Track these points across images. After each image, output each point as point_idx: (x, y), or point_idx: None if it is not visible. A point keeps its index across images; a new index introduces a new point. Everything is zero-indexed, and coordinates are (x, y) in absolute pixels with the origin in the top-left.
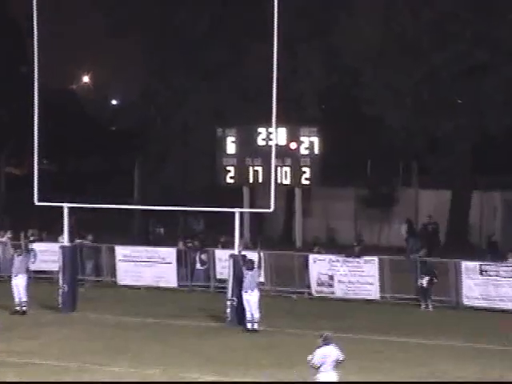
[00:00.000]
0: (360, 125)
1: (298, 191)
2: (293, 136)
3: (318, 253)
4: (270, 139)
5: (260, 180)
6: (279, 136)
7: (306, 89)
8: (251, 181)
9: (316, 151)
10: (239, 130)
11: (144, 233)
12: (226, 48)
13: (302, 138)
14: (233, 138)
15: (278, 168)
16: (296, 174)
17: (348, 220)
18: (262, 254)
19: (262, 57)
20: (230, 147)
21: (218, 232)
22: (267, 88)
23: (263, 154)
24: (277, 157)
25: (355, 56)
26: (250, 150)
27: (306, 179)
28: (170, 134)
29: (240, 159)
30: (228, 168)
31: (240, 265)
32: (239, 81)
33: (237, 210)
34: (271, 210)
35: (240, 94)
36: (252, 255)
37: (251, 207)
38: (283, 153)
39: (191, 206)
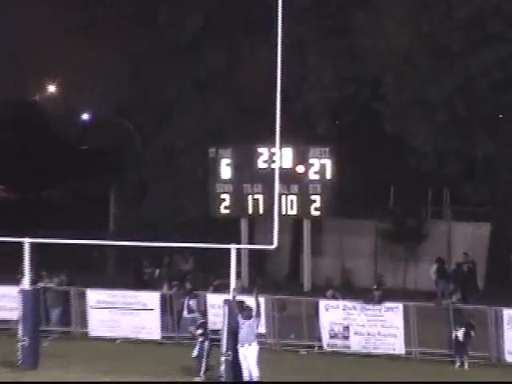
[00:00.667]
0: (381, 145)
1: (306, 223)
2: (300, 158)
3: (332, 298)
4: (273, 161)
5: (261, 210)
6: (284, 157)
7: (317, 101)
8: (250, 211)
9: (328, 176)
10: (236, 151)
11: (133, 274)
12: (221, 53)
13: (311, 160)
14: (228, 161)
15: (283, 196)
16: (304, 203)
17: (367, 259)
18: (261, 299)
19: (263, 62)
20: (225, 171)
21: (211, 272)
22: (270, 100)
23: (264, 179)
24: (281, 182)
25: (376, 62)
26: (248, 175)
27: (316, 209)
28: (152, 155)
29: (237, 186)
30: (222, 196)
31: (235, 313)
32: (236, 91)
33: (233, 247)
34: (274, 246)
35: (237, 107)
36: (250, 300)
37: (250, 243)
38: (289, 178)
39: (179, 242)
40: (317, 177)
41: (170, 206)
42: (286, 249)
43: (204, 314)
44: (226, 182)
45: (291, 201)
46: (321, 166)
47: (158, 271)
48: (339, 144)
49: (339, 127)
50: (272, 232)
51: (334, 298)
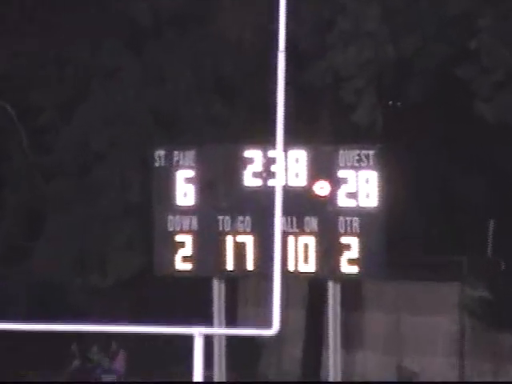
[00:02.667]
0: (470, 143)
1: (333, 289)
2: (322, 168)
3: None
4: (272, 174)
5: (249, 265)
6: (292, 167)
7: (354, 63)
8: (230, 266)
9: (373, 201)
10: (204, 155)
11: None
12: None
13: (342, 173)
14: (190, 173)
15: (290, 238)
16: (329, 251)
17: (445, 354)
18: None
19: None
20: (184, 192)
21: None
22: (267, 62)
23: (256, 205)
24: (287, 213)
25: None
26: (228, 199)
27: (352, 263)
28: (50, 162)
29: (205, 218)
30: (179, 238)
31: None
32: (207, 42)
33: (197, 332)
34: (274, 331)
35: (207, 76)
36: None
37: (230, 322)
38: (301, 204)
39: (104, 324)
40: (352, 203)
41: (76, 256)
42: (298, 335)
43: None
44: (185, 211)
45: (305, 246)
46: (360, 182)
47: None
48: (394, 143)
49: (394, 113)
50: (270, 304)
51: None
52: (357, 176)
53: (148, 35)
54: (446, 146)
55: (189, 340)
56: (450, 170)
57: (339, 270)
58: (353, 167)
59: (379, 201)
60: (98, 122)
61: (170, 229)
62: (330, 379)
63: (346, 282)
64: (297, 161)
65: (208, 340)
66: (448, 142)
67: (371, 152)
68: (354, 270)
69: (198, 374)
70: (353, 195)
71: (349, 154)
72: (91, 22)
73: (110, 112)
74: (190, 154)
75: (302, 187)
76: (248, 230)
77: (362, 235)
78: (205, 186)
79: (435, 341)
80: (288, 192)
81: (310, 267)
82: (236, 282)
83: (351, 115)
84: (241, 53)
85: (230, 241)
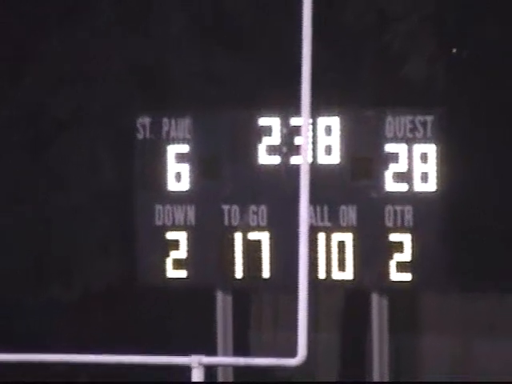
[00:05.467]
0: None
1: (377, 302)
2: (362, 140)
3: None
4: (295, 149)
5: (265, 272)
6: (322, 141)
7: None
8: (239, 273)
9: (432, 183)
10: (202, 124)
11: None
12: None
13: (388, 147)
14: (184, 148)
15: (321, 235)
16: (373, 250)
17: None
18: None
19: None
20: (176, 173)
21: None
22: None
23: (273, 191)
24: (314, 200)
25: None
26: (235, 183)
27: (404, 267)
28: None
29: (204, 209)
30: (170, 236)
31: None
32: None
33: (195, 362)
34: (299, 360)
35: (201, 21)
36: None
37: (238, 351)
38: (335, 188)
39: (69, 352)
40: (404, 187)
41: (31, 263)
42: (331, 365)
43: None
44: (178, 199)
45: (340, 246)
46: (414, 159)
47: None
48: (459, 106)
49: (460, 65)
50: (294, 325)
51: None
52: (410, 151)
53: None
54: None
55: (184, 373)
56: None
57: (387, 278)
58: (404, 139)
59: (440, 184)
60: (59, 81)
61: (159, 223)
62: None
63: (396, 293)
64: (328, 131)
65: (210, 372)
66: None
67: (429, 118)
68: (406, 277)
69: None
70: (404, 177)
71: (399, 122)
72: None
73: (75, 67)
74: (184, 123)
75: (336, 166)
76: (263, 224)
77: (416, 230)
78: (205, 165)
79: None
80: (317, 173)
81: (348, 274)
82: (247, 294)
83: (401, 69)
84: None
85: (238, 239)
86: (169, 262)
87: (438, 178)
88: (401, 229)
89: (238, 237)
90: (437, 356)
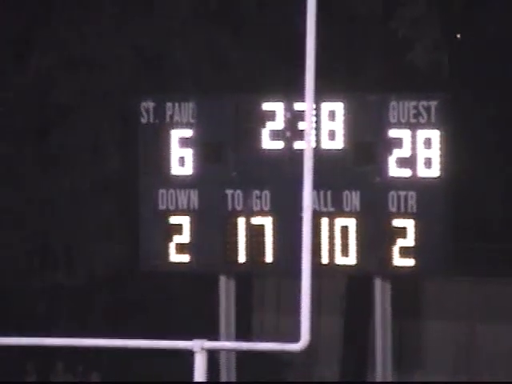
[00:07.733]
0: None
1: (380, 287)
2: (366, 125)
3: None
4: (298, 133)
5: (268, 256)
6: (326, 126)
7: None
8: (242, 258)
9: (435, 170)
10: (207, 108)
11: None
12: None
13: (392, 133)
14: (188, 132)
15: (323, 220)
16: (376, 236)
17: None
18: None
19: None
20: (179, 157)
21: None
22: None
23: (276, 176)
24: (318, 186)
25: None
26: (238, 167)
27: (407, 252)
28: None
29: (208, 193)
30: (173, 220)
31: None
32: None
33: (198, 346)
34: (303, 345)
35: (205, 4)
36: None
37: (241, 335)
38: (339, 173)
39: (71, 336)
40: (407, 172)
41: (34, 248)
42: (333, 350)
43: None
44: (181, 183)
45: (344, 231)
46: (418, 144)
47: None
48: (464, 91)
49: (464, 50)
50: (297, 310)
51: None
52: (413, 136)
53: None
54: None
55: (187, 357)
56: None
57: (390, 264)
58: (408, 125)
59: (443, 170)
60: (63, 65)
61: (162, 207)
62: None
63: (399, 279)
64: (332, 116)
65: (213, 356)
66: None
67: (433, 103)
68: (409, 263)
69: None
70: (408, 162)
71: (402, 107)
72: None
73: (79, 52)
74: (188, 107)
75: (339, 151)
76: (266, 209)
77: (420, 216)
78: (208, 149)
79: None
80: (320, 158)
81: (351, 259)
82: (250, 279)
83: (406, 54)
84: None
85: (241, 224)
86: (172, 246)
87: (441, 163)
88: (404, 214)
89: (241, 221)
90: (439, 340)
